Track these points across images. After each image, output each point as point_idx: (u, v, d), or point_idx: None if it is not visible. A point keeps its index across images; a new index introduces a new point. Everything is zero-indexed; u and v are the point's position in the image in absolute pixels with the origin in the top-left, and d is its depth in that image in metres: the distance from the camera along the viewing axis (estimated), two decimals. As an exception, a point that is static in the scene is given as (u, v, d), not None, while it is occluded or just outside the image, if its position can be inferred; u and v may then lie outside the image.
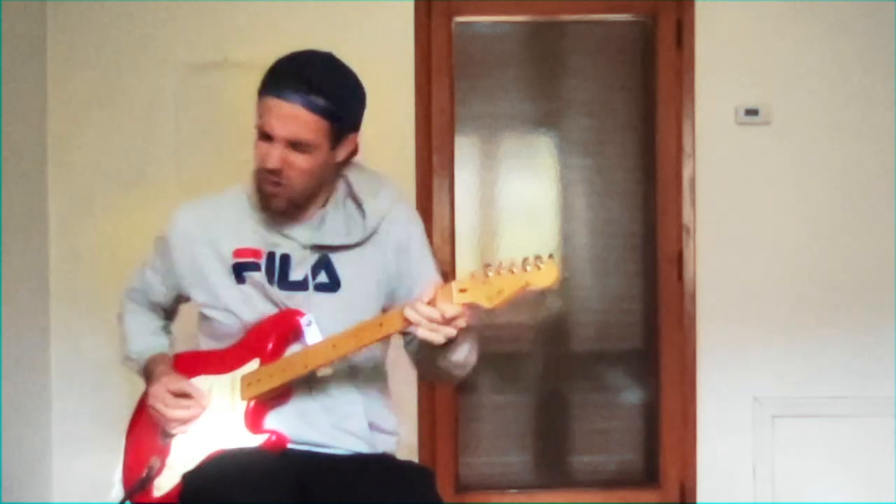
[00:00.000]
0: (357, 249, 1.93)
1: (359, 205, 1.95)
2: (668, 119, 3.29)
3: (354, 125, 1.90)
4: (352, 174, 1.98)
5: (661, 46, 3.30)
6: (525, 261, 1.71)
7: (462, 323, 1.74)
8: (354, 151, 1.96)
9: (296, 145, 1.82)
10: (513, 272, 1.71)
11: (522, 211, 3.40)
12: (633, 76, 3.40)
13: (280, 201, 1.88)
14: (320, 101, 1.79)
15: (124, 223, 3.16)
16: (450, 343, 1.77)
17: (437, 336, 1.73)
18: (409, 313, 1.74)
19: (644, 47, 3.36)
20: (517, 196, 3.40)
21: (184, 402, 1.89)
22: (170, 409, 1.89)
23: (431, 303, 1.73)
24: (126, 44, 3.20)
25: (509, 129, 3.43)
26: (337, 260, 1.92)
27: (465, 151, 3.35)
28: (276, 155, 1.81)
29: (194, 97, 3.19)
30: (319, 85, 1.80)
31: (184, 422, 1.89)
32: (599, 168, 3.41)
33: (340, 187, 1.97)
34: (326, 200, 1.95)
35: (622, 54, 3.41)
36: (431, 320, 1.72)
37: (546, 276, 1.70)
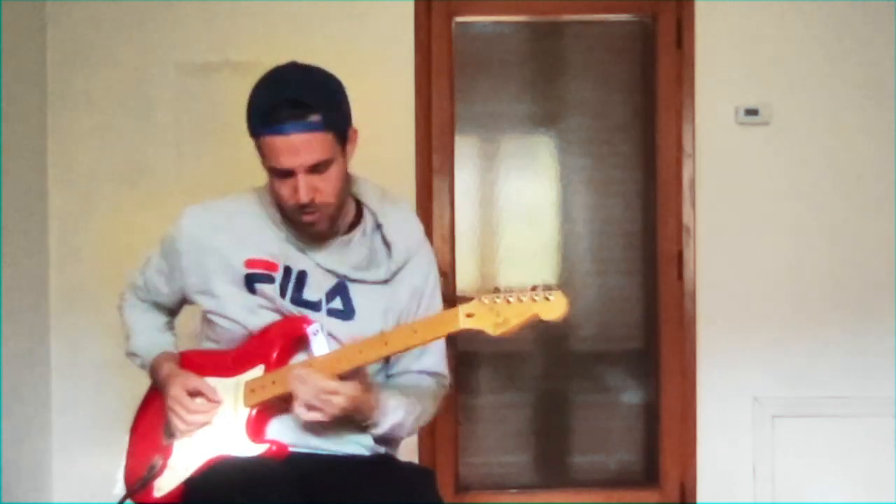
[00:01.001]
0: (376, 285, 1.92)
1: (386, 242, 1.93)
2: (668, 119, 3.29)
3: (349, 120, 1.87)
4: (380, 210, 1.95)
5: (661, 46, 3.30)
6: (534, 290, 1.68)
7: (340, 400, 1.75)
8: None
9: (315, 168, 1.79)
10: (521, 301, 1.68)
11: (522, 211, 3.40)
12: (633, 76, 3.40)
13: (321, 225, 1.86)
14: (317, 118, 1.76)
15: (124, 223, 3.16)
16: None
17: (314, 415, 1.76)
18: (295, 383, 1.76)
19: (644, 47, 3.36)
20: (517, 196, 3.40)
21: (202, 404, 1.88)
22: (191, 414, 1.87)
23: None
24: (126, 44, 3.20)
25: (509, 129, 3.43)
26: (354, 289, 1.90)
27: (465, 151, 3.35)
28: (303, 188, 1.78)
29: (194, 97, 3.19)
30: (309, 103, 1.76)
31: (204, 425, 1.88)
32: (599, 168, 3.41)
33: (368, 219, 1.95)
34: (351, 225, 1.94)
35: (622, 54, 3.41)
36: (315, 396, 1.74)
37: (555, 309, 1.67)
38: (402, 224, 1.97)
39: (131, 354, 2.10)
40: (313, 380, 1.74)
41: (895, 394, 3.26)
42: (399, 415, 1.87)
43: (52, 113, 3.19)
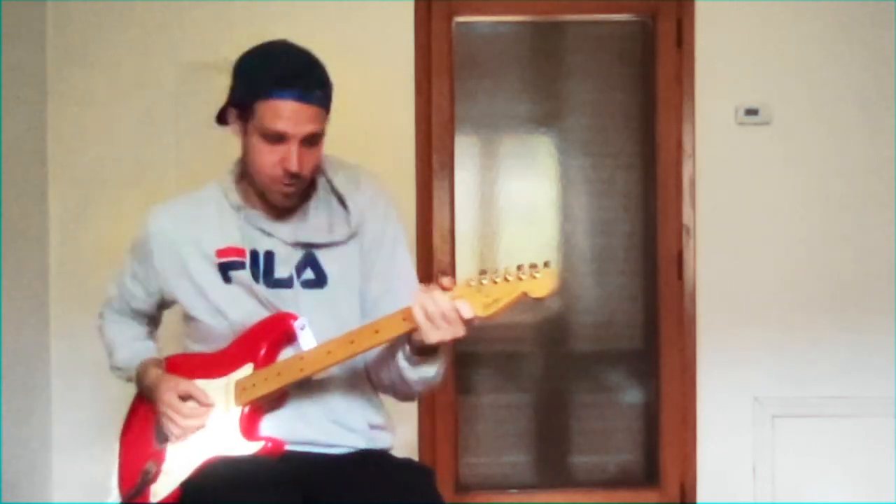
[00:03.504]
0: (341, 246, 1.93)
1: (341, 201, 1.94)
2: (668, 119, 3.29)
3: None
4: (331, 170, 1.97)
5: (661, 46, 3.30)
6: (520, 269, 1.68)
7: (461, 330, 1.71)
8: None
9: (309, 140, 1.82)
10: (508, 280, 1.68)
11: (522, 211, 3.40)
12: (633, 76, 3.40)
13: (294, 198, 1.89)
14: (321, 93, 1.82)
15: (124, 223, 3.12)
16: (436, 351, 1.77)
17: (442, 334, 1.69)
18: (418, 312, 1.69)
19: (644, 47, 3.36)
20: (517, 196, 3.40)
21: (196, 408, 1.88)
22: (186, 419, 1.87)
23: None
24: (126, 43, 3.20)
25: (509, 129, 3.43)
26: (322, 256, 1.92)
27: (465, 151, 3.35)
28: (295, 156, 1.81)
29: (194, 97, 3.19)
30: (316, 78, 1.82)
31: (198, 429, 1.88)
32: (599, 168, 3.41)
33: (321, 184, 1.96)
34: (308, 196, 1.95)
35: (622, 54, 3.41)
36: (444, 317, 1.69)
37: (543, 286, 1.67)
38: (350, 177, 1.98)
39: (115, 369, 2.11)
40: (459, 305, 1.70)
41: (895, 394, 3.26)
42: (443, 360, 1.85)
43: (52, 113, 3.19)
